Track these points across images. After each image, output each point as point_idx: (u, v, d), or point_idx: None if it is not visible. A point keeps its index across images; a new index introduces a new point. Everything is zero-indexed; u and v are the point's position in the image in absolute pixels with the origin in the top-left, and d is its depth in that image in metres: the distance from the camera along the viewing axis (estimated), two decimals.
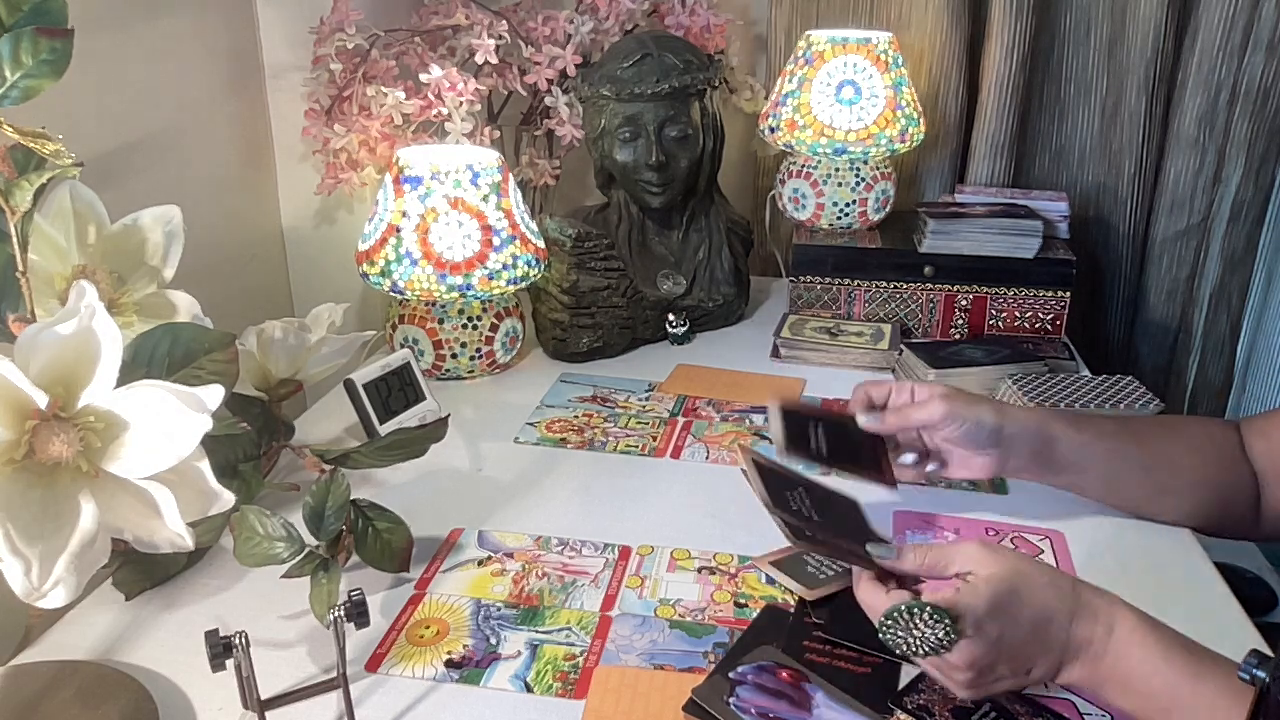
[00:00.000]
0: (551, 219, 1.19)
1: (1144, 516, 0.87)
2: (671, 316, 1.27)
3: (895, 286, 1.30)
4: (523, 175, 1.42)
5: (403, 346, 1.12)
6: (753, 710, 0.65)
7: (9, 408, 0.56)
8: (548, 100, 1.33)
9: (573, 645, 0.73)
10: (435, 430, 0.83)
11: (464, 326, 1.15)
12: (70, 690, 0.66)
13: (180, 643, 0.72)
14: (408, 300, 1.15)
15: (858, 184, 1.35)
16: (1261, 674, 0.47)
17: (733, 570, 0.82)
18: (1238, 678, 0.47)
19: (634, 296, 1.24)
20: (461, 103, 1.22)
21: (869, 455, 0.85)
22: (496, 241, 1.11)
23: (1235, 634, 0.73)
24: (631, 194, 1.28)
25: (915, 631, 0.62)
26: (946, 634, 0.61)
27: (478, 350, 1.16)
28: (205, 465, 0.60)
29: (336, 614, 0.64)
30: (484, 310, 1.16)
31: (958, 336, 1.30)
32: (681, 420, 1.08)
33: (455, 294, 1.10)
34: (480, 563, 0.82)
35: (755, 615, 0.76)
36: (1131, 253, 1.48)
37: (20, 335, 0.57)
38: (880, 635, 0.63)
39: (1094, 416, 0.87)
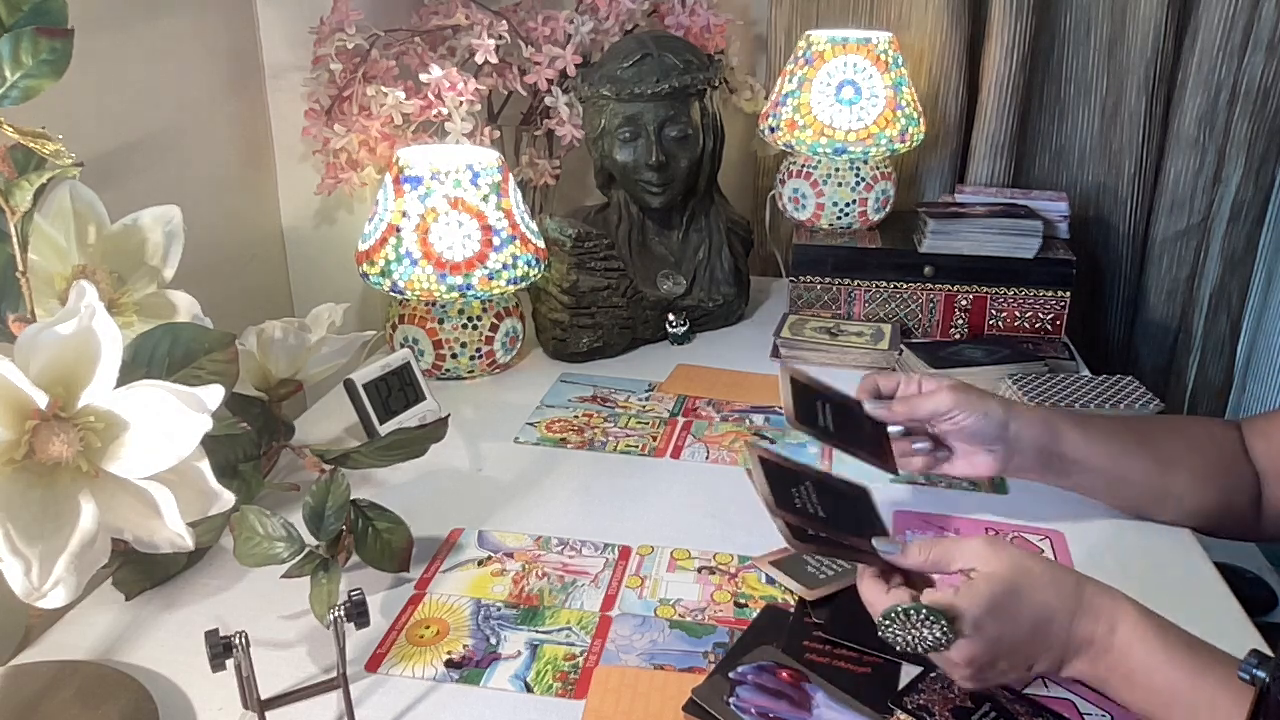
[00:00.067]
0: (551, 219, 1.19)
1: (1145, 517, 0.87)
2: (671, 316, 1.27)
3: (895, 286, 1.30)
4: (523, 175, 1.42)
5: (403, 346, 1.12)
6: (753, 710, 0.65)
7: (9, 408, 0.56)
8: (548, 100, 1.33)
9: (573, 645, 0.73)
10: (435, 430, 0.83)
11: (464, 326, 1.15)
12: (70, 690, 0.66)
13: (180, 643, 0.72)
14: (408, 300, 1.15)
15: (858, 184, 1.35)
16: (1261, 674, 0.47)
17: (733, 570, 0.82)
18: (1238, 677, 0.48)
19: (634, 296, 1.24)
20: (461, 103, 1.22)
21: (872, 440, 0.85)
22: (496, 241, 1.11)
23: (1235, 634, 0.73)
24: (631, 194, 1.28)
25: (913, 631, 0.62)
26: (944, 633, 0.61)
27: (478, 350, 1.16)
28: (205, 465, 0.60)
29: (336, 614, 0.64)
30: (484, 310, 1.16)
31: (958, 336, 1.30)
32: (681, 420, 1.08)
33: (455, 294, 1.10)
34: (480, 563, 0.82)
35: (755, 615, 0.76)
36: (1131, 253, 1.48)
37: (20, 335, 0.57)
38: (880, 633, 0.64)
39: (1098, 416, 0.87)
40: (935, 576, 0.68)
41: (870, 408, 0.84)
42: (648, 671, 0.70)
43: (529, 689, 0.68)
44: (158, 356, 0.66)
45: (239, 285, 1.21)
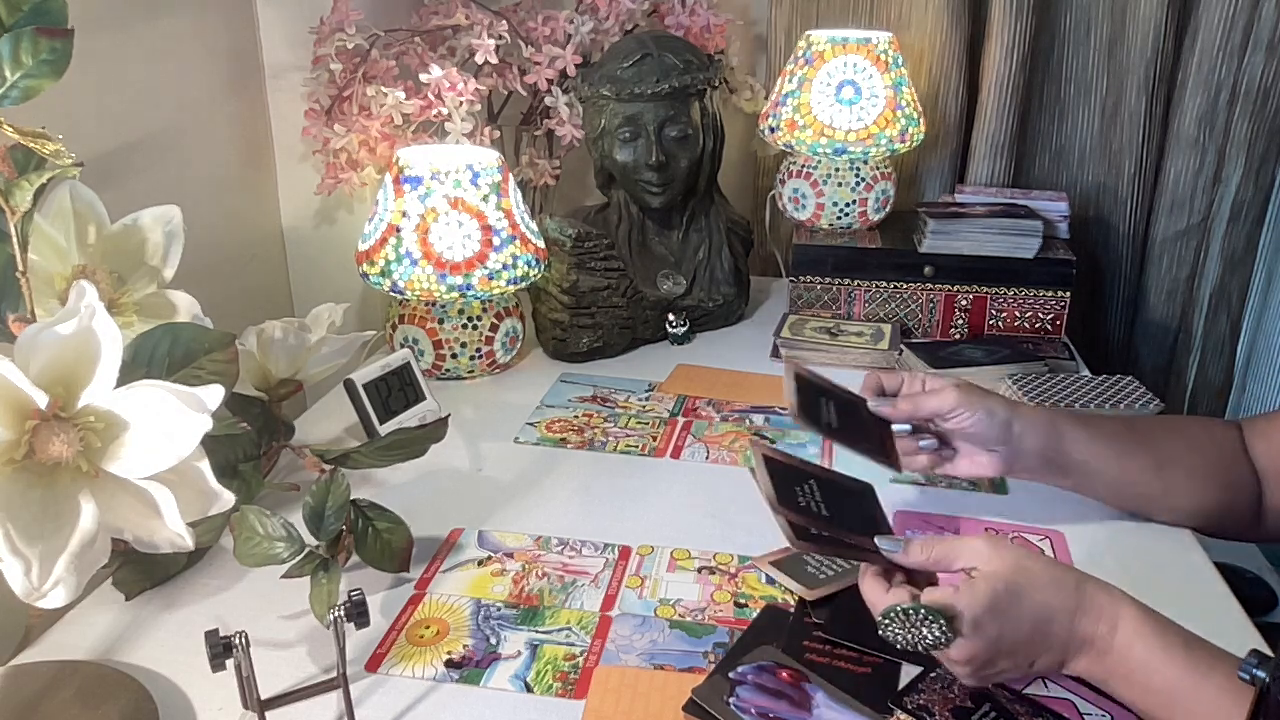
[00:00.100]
0: (551, 219, 1.19)
1: (1145, 517, 0.87)
2: (671, 316, 1.27)
3: (895, 286, 1.30)
4: (523, 175, 1.42)
5: (403, 346, 1.12)
6: (753, 710, 0.65)
7: (9, 408, 0.56)
8: (548, 100, 1.33)
9: (573, 645, 0.73)
10: (435, 430, 0.83)
11: (464, 326, 1.15)
12: (70, 690, 0.66)
13: (180, 643, 0.72)
14: (408, 300, 1.15)
15: (858, 184, 1.35)
16: (1261, 674, 0.47)
17: (733, 570, 0.82)
18: (1238, 677, 0.48)
19: (634, 296, 1.24)
20: (461, 103, 1.22)
21: (876, 438, 0.84)
22: (496, 241, 1.11)
23: (1235, 634, 0.73)
24: (631, 194, 1.28)
25: (912, 630, 0.63)
26: (943, 632, 0.62)
27: (478, 350, 1.16)
28: (205, 465, 0.60)
29: (336, 614, 0.64)
30: (484, 310, 1.16)
31: (958, 336, 1.30)
32: (681, 420, 1.08)
33: (455, 294, 1.10)
34: (480, 563, 0.82)
35: (755, 615, 0.76)
36: (1131, 253, 1.48)
37: (20, 335, 0.57)
38: (880, 632, 0.64)
39: (1100, 416, 0.87)
40: (941, 575, 0.68)
41: (874, 405, 0.84)
42: (648, 671, 0.70)
43: (529, 689, 0.68)
44: (158, 356, 0.66)
45: (239, 285, 1.21)
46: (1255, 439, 0.86)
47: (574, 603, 0.77)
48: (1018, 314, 1.28)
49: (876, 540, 0.69)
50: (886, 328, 1.26)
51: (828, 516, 0.70)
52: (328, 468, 0.78)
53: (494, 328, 1.16)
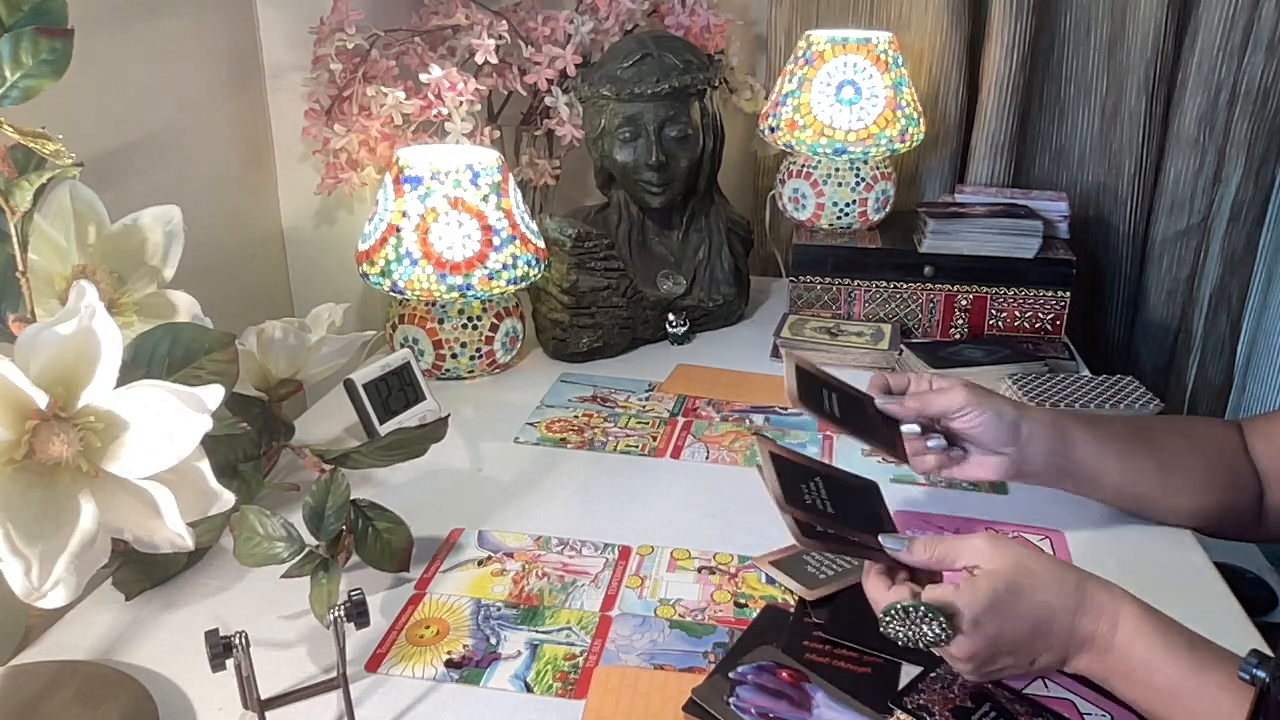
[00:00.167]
0: (551, 219, 1.19)
1: (1146, 517, 0.87)
2: (671, 316, 1.27)
3: (895, 286, 1.30)
4: (523, 175, 1.42)
5: (403, 346, 1.12)
6: (753, 710, 0.65)
7: (9, 408, 0.56)
8: (548, 100, 1.33)
9: (573, 645, 0.73)
10: (435, 430, 0.83)
11: (464, 326, 1.15)
12: (70, 690, 0.66)
13: (180, 643, 0.72)
14: (408, 300, 1.15)
15: (858, 184, 1.35)
16: (1261, 674, 0.47)
17: (733, 570, 0.82)
18: (1238, 677, 0.48)
19: (634, 296, 1.24)
20: (461, 103, 1.22)
21: (883, 435, 0.84)
22: (496, 241, 1.11)
23: (1235, 634, 0.73)
24: (631, 194, 1.28)
25: (913, 627, 0.63)
26: (943, 629, 0.62)
27: (478, 350, 1.16)
28: (205, 465, 0.60)
29: (336, 614, 0.64)
30: (484, 310, 1.16)
31: (958, 336, 1.30)
32: (681, 420, 1.08)
33: (455, 294, 1.10)
34: (480, 563, 0.82)
35: (755, 615, 0.76)
36: (1131, 253, 1.48)
37: (20, 335, 0.57)
38: (881, 629, 0.65)
39: (1102, 418, 0.87)
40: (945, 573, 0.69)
41: (882, 402, 0.84)
42: (648, 671, 0.70)
43: (529, 689, 0.68)
44: (158, 356, 0.66)
45: (239, 285, 1.21)
46: (1255, 439, 0.86)
47: (574, 603, 0.77)
48: (1018, 314, 1.28)
49: (881, 538, 0.69)
50: (886, 328, 1.26)
51: (833, 514, 0.71)
52: (328, 468, 0.78)
53: (494, 328, 1.16)
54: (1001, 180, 1.45)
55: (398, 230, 1.10)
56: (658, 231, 1.32)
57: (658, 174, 1.23)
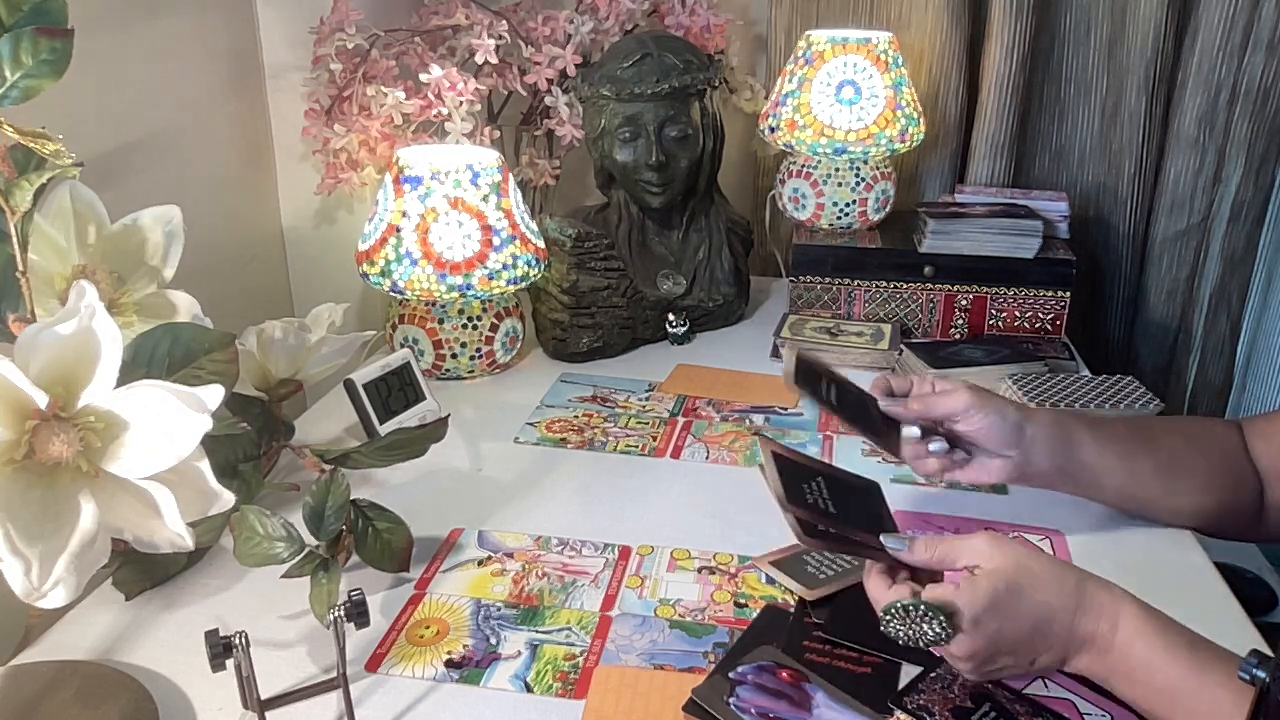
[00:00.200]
0: (551, 219, 1.19)
1: (1146, 517, 0.87)
2: (671, 316, 1.27)
3: (895, 286, 1.30)
4: (523, 175, 1.42)
5: (403, 346, 1.12)
6: (753, 710, 0.65)
7: (9, 408, 0.56)
8: (548, 100, 1.33)
9: (573, 645, 0.73)
10: (435, 430, 0.83)
11: (464, 326, 1.15)
12: (70, 690, 0.66)
13: (180, 643, 0.72)
14: (408, 300, 1.15)
15: (858, 184, 1.35)
16: (1261, 674, 0.47)
17: (733, 570, 0.82)
18: (1238, 677, 0.48)
19: (634, 296, 1.24)
20: (461, 103, 1.22)
21: (883, 431, 0.84)
22: (496, 241, 1.11)
23: (1235, 634, 0.73)
24: (631, 194, 1.28)
25: (913, 626, 0.63)
26: (943, 628, 0.62)
27: (478, 350, 1.16)
28: (205, 465, 0.60)
29: (336, 614, 0.64)
30: (484, 310, 1.16)
31: (958, 336, 1.30)
32: (681, 420, 1.08)
33: (455, 294, 1.10)
34: (480, 563, 0.82)
35: (755, 615, 0.76)
36: (1131, 253, 1.48)
37: (20, 335, 0.57)
38: (881, 628, 0.65)
39: (1104, 419, 0.87)
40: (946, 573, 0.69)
41: (885, 405, 0.83)
42: (648, 671, 0.70)
43: (529, 689, 0.68)
44: (158, 356, 0.66)
45: (239, 285, 1.21)
46: (1256, 439, 0.86)
47: (574, 603, 0.77)
48: (1018, 314, 1.28)
49: (882, 538, 0.69)
50: (886, 328, 1.26)
51: (835, 513, 0.71)
52: (328, 468, 0.78)
53: (494, 328, 1.16)
54: (1001, 180, 1.45)
55: (398, 230, 1.10)
56: (658, 231, 1.32)
57: (658, 174, 1.23)
